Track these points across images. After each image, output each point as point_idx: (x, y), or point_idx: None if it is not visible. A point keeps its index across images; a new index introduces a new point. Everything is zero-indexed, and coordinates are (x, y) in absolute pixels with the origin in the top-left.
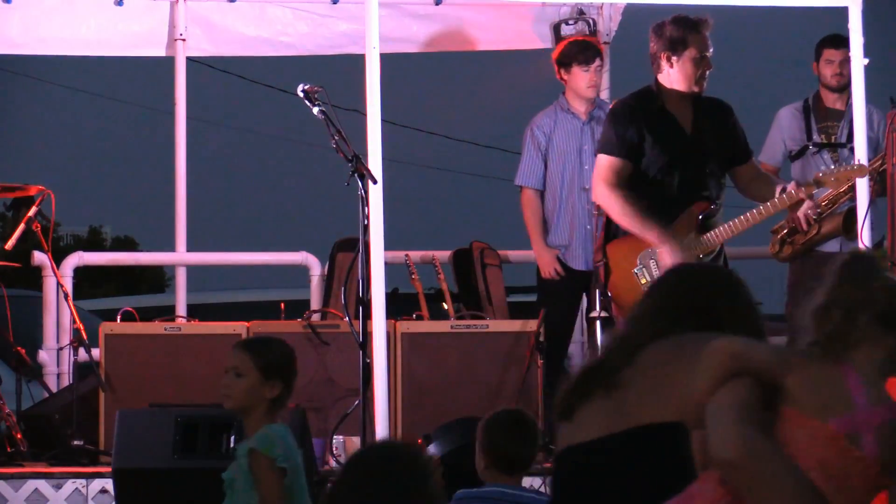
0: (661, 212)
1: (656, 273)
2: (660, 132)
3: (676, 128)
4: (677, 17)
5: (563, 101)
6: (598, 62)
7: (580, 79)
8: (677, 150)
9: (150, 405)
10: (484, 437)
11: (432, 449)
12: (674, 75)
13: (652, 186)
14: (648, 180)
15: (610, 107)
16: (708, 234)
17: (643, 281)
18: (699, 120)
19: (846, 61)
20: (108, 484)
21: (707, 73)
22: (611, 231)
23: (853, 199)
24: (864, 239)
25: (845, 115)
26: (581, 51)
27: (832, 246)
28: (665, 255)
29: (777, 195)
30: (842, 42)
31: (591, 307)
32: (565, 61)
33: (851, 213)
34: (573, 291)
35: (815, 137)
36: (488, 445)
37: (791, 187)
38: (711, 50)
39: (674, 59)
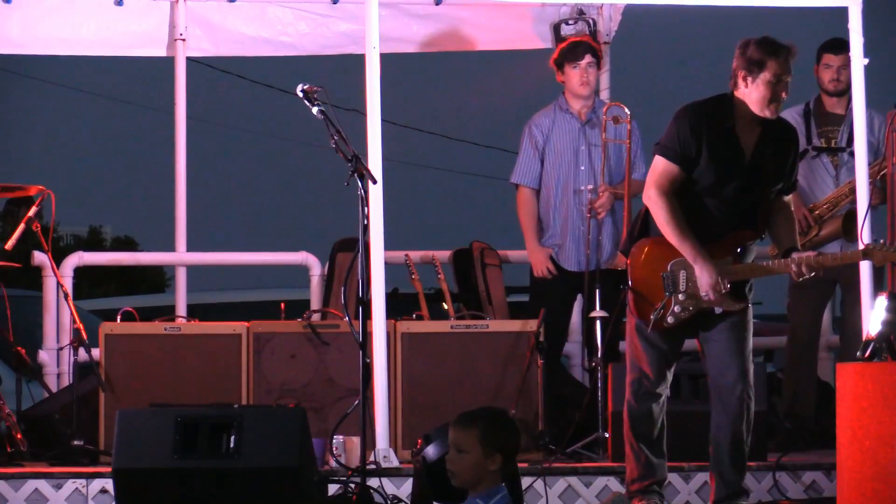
0: (697, 225)
1: (683, 286)
2: (718, 153)
3: (737, 151)
4: (763, 39)
5: (563, 101)
6: (588, 58)
7: (572, 76)
8: (729, 174)
9: (150, 405)
10: (502, 435)
11: (432, 449)
12: (747, 95)
13: (696, 199)
14: (695, 192)
15: (678, 109)
16: (740, 266)
17: (667, 290)
18: (762, 146)
19: (844, 67)
20: (108, 484)
21: (781, 99)
22: (649, 227)
23: (853, 202)
24: (865, 241)
25: (845, 119)
26: (570, 49)
27: (832, 248)
28: (699, 274)
29: (786, 259)
30: (841, 47)
31: (591, 307)
32: (559, 62)
33: (850, 215)
34: (565, 291)
35: (815, 141)
36: (508, 442)
37: (804, 255)
38: (790, 77)
39: (749, 79)
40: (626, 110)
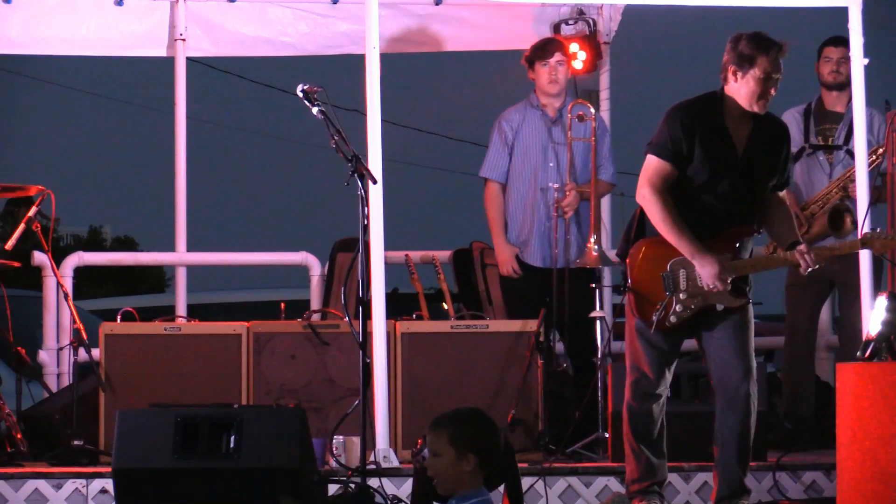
0: (694, 223)
1: (684, 284)
2: (711, 149)
3: (729, 147)
4: (754, 35)
5: (534, 98)
6: (558, 56)
7: (541, 74)
8: (723, 170)
9: (150, 405)
10: (473, 434)
11: None
12: (736, 90)
13: (691, 196)
14: (690, 190)
15: (669, 108)
16: (740, 262)
17: (668, 289)
18: (754, 141)
19: (844, 59)
20: (108, 484)
21: (770, 95)
22: (644, 227)
23: (842, 198)
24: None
25: (844, 117)
26: (540, 47)
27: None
28: (700, 270)
29: (790, 252)
30: (841, 41)
31: (561, 306)
32: (530, 60)
33: (835, 210)
34: (533, 289)
35: (812, 139)
36: (480, 441)
37: (802, 247)
38: (780, 75)
39: (739, 74)
40: (591, 109)
